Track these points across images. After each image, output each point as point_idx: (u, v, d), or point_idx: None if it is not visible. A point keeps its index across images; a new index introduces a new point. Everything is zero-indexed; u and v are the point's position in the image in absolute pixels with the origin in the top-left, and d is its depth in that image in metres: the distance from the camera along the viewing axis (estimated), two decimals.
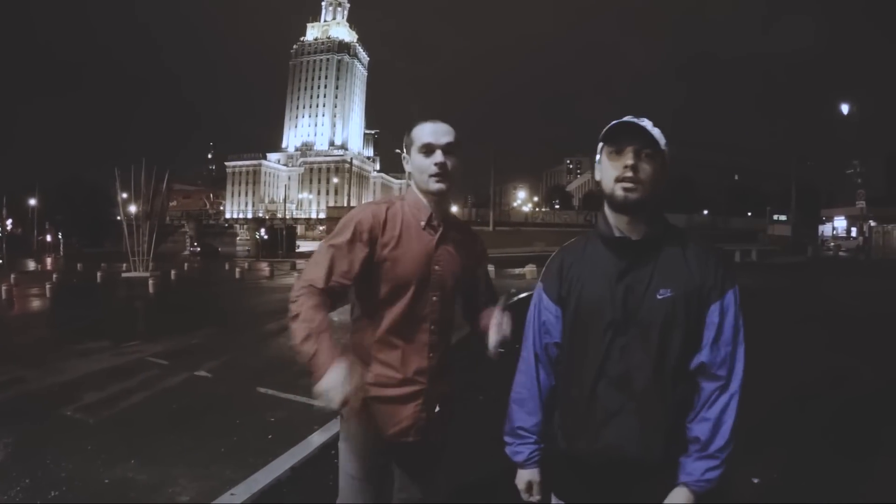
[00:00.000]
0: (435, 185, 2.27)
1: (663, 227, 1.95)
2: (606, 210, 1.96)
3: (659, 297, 1.85)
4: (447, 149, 2.27)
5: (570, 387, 1.99)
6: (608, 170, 1.91)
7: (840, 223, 70.63)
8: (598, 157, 1.98)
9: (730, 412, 1.83)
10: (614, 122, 1.91)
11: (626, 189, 1.86)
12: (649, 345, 1.84)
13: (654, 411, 1.85)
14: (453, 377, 2.46)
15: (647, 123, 1.89)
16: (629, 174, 1.85)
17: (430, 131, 2.28)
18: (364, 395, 2.13)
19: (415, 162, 2.30)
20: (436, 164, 2.25)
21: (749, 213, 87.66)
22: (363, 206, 2.37)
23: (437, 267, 2.30)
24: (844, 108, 49.50)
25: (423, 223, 2.31)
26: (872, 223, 53.70)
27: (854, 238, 59.29)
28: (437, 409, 2.36)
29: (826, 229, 71.39)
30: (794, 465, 4.53)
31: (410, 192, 2.37)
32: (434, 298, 2.30)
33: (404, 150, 2.37)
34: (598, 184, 1.97)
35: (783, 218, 68.25)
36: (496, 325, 2.25)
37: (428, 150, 2.27)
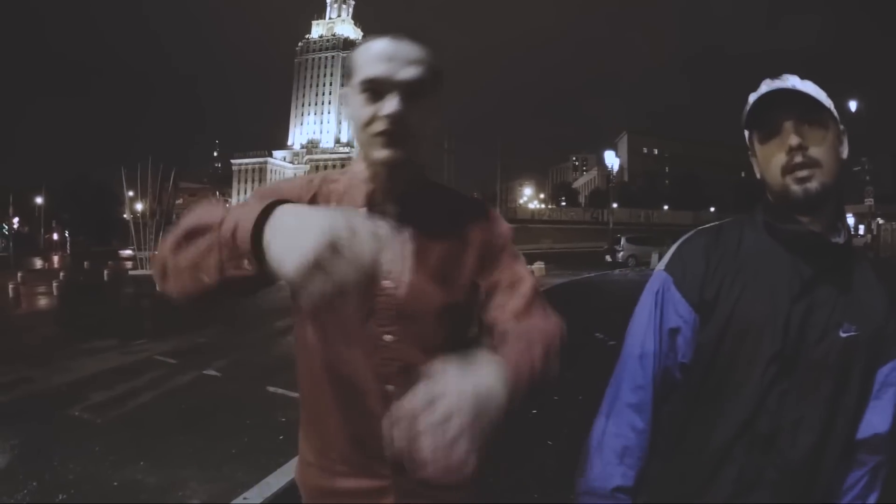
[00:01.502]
0: (382, 152, 1.29)
1: (849, 232, 1.42)
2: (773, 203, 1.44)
3: (843, 334, 1.34)
4: (409, 89, 1.27)
5: (689, 435, 1.42)
6: (768, 162, 1.39)
7: (848, 220, 70.42)
8: (749, 150, 1.49)
9: (876, 489, 1.41)
10: (754, 96, 1.40)
11: (800, 179, 1.34)
12: (817, 396, 1.34)
13: (802, 492, 1.35)
14: (472, 473, 1.04)
15: (798, 82, 1.38)
16: (798, 159, 1.33)
17: (382, 55, 1.27)
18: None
19: (353, 106, 1.32)
20: (386, 117, 1.26)
21: None
22: (290, 181, 1.47)
23: (385, 281, 1.31)
24: (852, 105, 49.22)
25: (358, 209, 1.35)
26: (880, 221, 53.47)
27: (862, 236, 59.05)
28: None
29: None
30: None
31: (356, 160, 1.44)
32: (388, 337, 1.33)
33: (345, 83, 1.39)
34: (762, 182, 1.45)
35: None
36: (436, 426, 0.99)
37: (374, 90, 1.27)
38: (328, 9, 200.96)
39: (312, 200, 1.39)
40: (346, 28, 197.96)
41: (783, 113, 1.36)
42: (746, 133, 1.47)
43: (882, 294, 1.40)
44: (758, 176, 1.46)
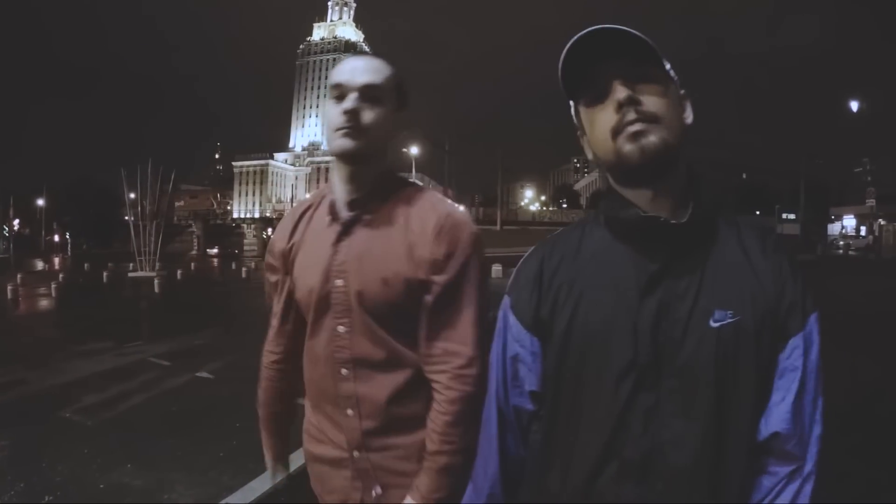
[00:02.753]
0: (339, 142, 1.50)
1: (711, 206, 1.20)
2: (614, 187, 1.24)
3: (714, 324, 1.12)
4: (366, 91, 1.50)
5: (549, 469, 1.25)
6: (597, 128, 1.19)
7: (849, 222, 70.50)
8: (577, 130, 1.29)
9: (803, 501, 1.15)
10: (568, 45, 1.18)
11: (633, 135, 1.13)
12: (695, 407, 1.12)
13: None
14: (416, 451, 1.54)
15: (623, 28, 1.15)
16: (631, 115, 1.13)
17: (348, 67, 1.54)
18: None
19: (326, 113, 1.58)
20: (344, 114, 1.49)
21: (758, 212, 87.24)
22: (280, 227, 1.76)
23: (338, 281, 1.54)
24: (854, 106, 49.17)
25: (327, 216, 1.60)
26: (882, 221, 53.42)
27: (864, 237, 59.06)
28: (378, 492, 1.58)
29: (835, 228, 71.18)
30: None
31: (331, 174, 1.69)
32: (341, 328, 1.55)
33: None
34: (595, 163, 1.26)
35: (792, 216, 67.83)
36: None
37: (339, 93, 1.52)
38: (329, 11, 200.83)
39: (295, 228, 1.67)
40: (348, 30, 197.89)
41: (609, 68, 1.16)
42: (572, 106, 1.29)
43: (770, 264, 1.18)
44: (589, 156, 1.27)
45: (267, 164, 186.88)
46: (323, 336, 1.58)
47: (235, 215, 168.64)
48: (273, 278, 1.73)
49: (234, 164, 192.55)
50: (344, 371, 1.55)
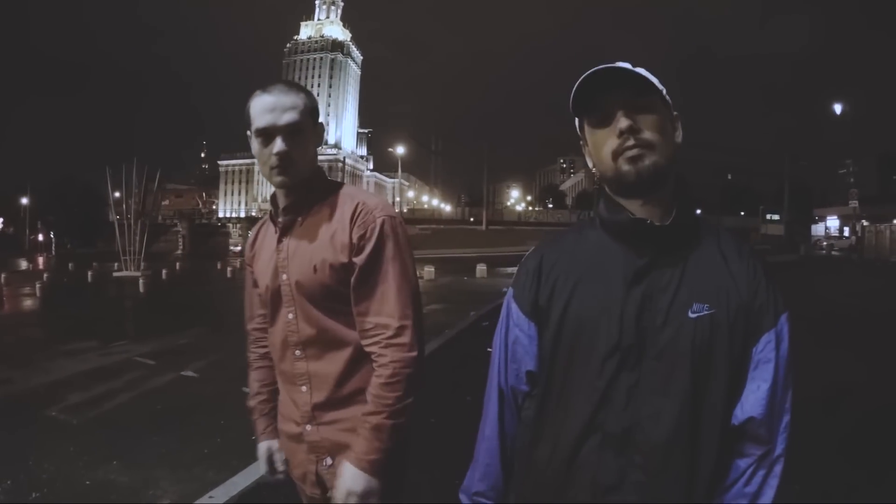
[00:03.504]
0: (277, 179, 1.74)
1: (693, 212, 1.39)
2: (610, 194, 1.42)
3: (692, 315, 1.29)
4: (290, 130, 1.70)
5: (539, 441, 1.41)
6: (600, 148, 1.37)
7: (833, 222, 71.11)
8: (581, 140, 1.47)
9: (772, 484, 1.32)
10: (580, 79, 1.37)
11: (631, 159, 1.32)
12: (673, 386, 1.28)
13: (673, 489, 1.29)
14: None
15: (627, 66, 1.36)
16: (630, 142, 1.31)
17: (266, 107, 1.71)
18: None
19: (254, 149, 1.77)
20: (275, 155, 1.70)
21: (742, 213, 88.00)
22: (249, 248, 2.05)
23: (283, 276, 1.80)
24: (837, 108, 49.66)
25: (271, 224, 1.89)
26: (865, 223, 53.86)
27: (847, 237, 59.52)
28: (328, 463, 1.79)
29: (819, 229, 71.77)
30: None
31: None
32: (290, 315, 1.79)
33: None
34: (595, 177, 1.46)
35: (776, 217, 68.47)
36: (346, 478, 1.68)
37: (266, 136, 1.71)
38: (317, 10, 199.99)
39: (255, 239, 1.96)
40: (335, 29, 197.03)
41: (613, 97, 1.34)
42: (577, 121, 1.45)
43: (745, 268, 1.34)
44: (590, 166, 1.46)
45: (253, 164, 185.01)
46: (279, 324, 1.83)
47: (221, 214, 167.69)
48: (248, 279, 2.01)
49: (219, 163, 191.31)
50: (297, 352, 1.80)
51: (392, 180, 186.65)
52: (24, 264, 43.96)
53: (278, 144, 1.69)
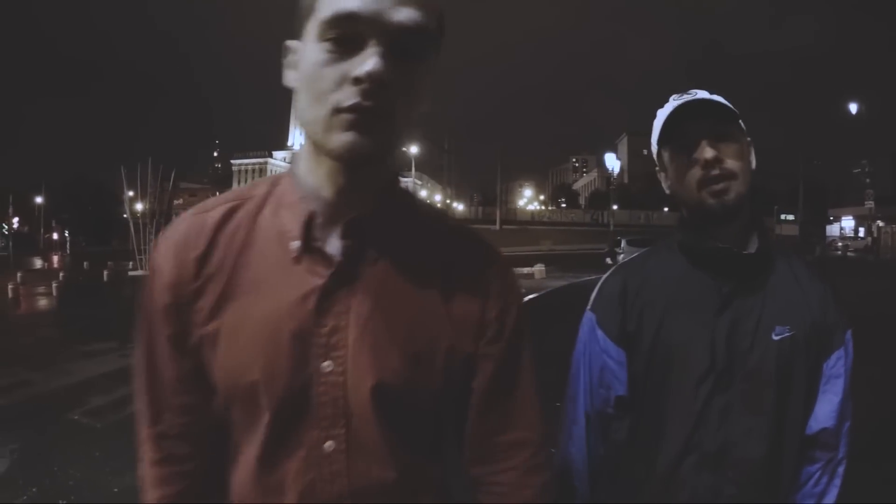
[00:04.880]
0: (341, 137, 0.83)
1: (771, 239, 1.45)
2: (687, 219, 1.46)
3: (776, 337, 1.35)
4: (402, 42, 0.83)
5: (634, 462, 1.45)
6: (682, 176, 1.39)
7: (848, 223, 70.61)
8: (657, 165, 1.50)
9: (836, 483, 1.42)
10: (668, 109, 1.42)
11: (716, 192, 1.34)
12: (761, 405, 1.34)
13: (762, 498, 1.37)
14: None
15: (707, 95, 1.42)
16: (715, 172, 1.33)
17: None
18: None
19: (306, 64, 0.86)
20: (364, 77, 0.80)
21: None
22: (174, 224, 1.00)
23: (325, 364, 0.90)
24: (852, 108, 49.32)
25: (292, 243, 0.92)
26: (881, 223, 53.54)
27: (862, 238, 59.12)
28: None
29: (834, 229, 71.31)
30: None
31: (293, 167, 1.03)
32: (329, 445, 0.91)
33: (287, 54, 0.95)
34: (671, 195, 1.46)
35: (791, 217, 67.99)
36: None
37: (346, 36, 0.82)
38: None
39: (206, 255, 0.95)
40: None
41: (695, 127, 1.37)
42: (655, 149, 1.49)
43: (816, 289, 1.43)
44: (666, 191, 1.49)
45: (266, 163, 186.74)
46: (294, 459, 0.92)
47: None
48: (153, 335, 1.01)
49: (232, 162, 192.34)
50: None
51: (406, 180, 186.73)
52: (39, 263, 44.24)
53: (374, 59, 0.80)
